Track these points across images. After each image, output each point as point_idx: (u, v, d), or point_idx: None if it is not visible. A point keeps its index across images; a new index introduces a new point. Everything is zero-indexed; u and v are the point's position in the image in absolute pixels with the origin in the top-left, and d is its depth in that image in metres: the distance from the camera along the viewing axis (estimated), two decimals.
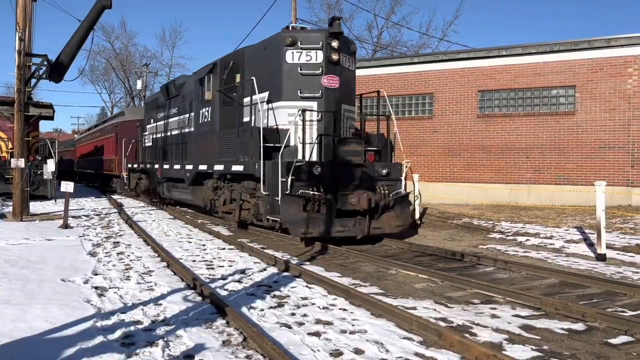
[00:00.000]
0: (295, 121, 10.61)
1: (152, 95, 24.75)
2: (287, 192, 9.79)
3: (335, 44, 10.80)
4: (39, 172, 19.11)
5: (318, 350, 4.46)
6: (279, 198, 9.87)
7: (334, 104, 10.97)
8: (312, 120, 10.74)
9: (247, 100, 11.78)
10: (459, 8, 63.14)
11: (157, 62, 54.73)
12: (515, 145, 16.31)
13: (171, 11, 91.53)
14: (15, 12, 13.72)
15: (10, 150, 18.08)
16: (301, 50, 10.88)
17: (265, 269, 7.87)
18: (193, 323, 5.09)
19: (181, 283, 6.85)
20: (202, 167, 13.41)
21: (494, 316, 5.57)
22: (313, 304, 5.93)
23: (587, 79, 15.37)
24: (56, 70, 13.99)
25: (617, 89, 15.00)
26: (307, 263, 8.57)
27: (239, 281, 7.06)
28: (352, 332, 4.93)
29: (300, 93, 10.81)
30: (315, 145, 10.72)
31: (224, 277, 7.28)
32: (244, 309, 5.61)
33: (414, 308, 5.79)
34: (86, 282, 6.78)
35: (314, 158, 10.64)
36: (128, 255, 8.89)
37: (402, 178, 11.33)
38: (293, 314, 5.52)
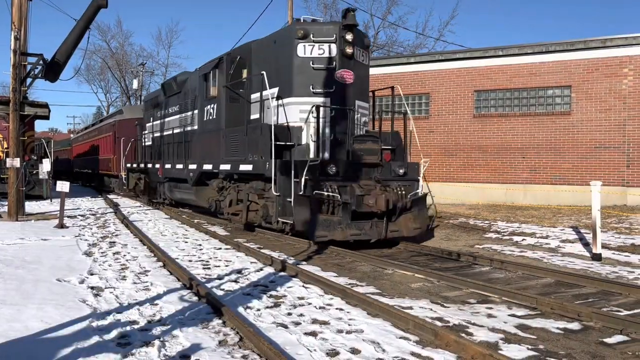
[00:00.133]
0: (308, 118, 10.18)
1: (151, 92, 24.14)
2: (301, 193, 9.31)
3: (349, 36, 10.34)
4: (34, 172, 19.05)
5: (314, 350, 4.46)
6: (292, 199, 9.40)
7: (349, 100, 10.51)
8: (326, 117, 10.30)
9: (255, 96, 11.37)
10: (455, 8, 62.88)
11: (154, 61, 54.86)
12: (512, 145, 16.36)
13: (167, 10, 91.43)
14: (11, 11, 13.67)
15: (6, 150, 18.00)
16: (313, 44, 10.37)
17: (261, 269, 7.86)
18: (189, 323, 5.08)
19: (177, 283, 6.83)
20: (207, 167, 12.86)
21: (490, 316, 5.58)
22: (309, 303, 5.92)
23: (582, 79, 15.43)
24: (52, 70, 13.90)
25: (612, 89, 15.06)
26: (304, 263, 8.56)
27: (236, 281, 7.05)
28: (348, 332, 4.93)
29: (313, 88, 10.33)
30: (329, 143, 10.32)
31: (220, 277, 7.26)
32: (241, 309, 5.60)
33: (411, 308, 5.79)
34: (82, 282, 6.76)
35: (327, 157, 10.24)
36: (124, 255, 8.86)
37: (420, 178, 10.85)
38: (289, 314, 5.51)
